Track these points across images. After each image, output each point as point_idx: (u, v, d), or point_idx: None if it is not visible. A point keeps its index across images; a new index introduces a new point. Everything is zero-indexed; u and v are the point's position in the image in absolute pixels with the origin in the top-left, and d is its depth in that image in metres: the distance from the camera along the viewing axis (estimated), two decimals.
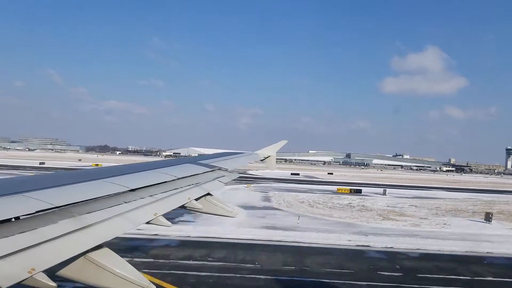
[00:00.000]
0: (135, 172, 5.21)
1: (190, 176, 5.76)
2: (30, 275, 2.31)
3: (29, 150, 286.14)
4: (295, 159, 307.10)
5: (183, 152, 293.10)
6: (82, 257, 2.88)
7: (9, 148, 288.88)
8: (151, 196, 4.27)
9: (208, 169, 6.65)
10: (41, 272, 2.38)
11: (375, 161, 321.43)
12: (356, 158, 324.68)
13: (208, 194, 5.30)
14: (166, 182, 5.03)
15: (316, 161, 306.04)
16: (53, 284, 2.39)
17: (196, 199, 5.00)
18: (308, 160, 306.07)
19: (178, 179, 5.35)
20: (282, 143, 13.44)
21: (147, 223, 3.84)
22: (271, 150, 12.82)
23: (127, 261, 3.07)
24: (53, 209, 3.08)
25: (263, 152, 12.48)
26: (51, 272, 2.56)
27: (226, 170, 7.29)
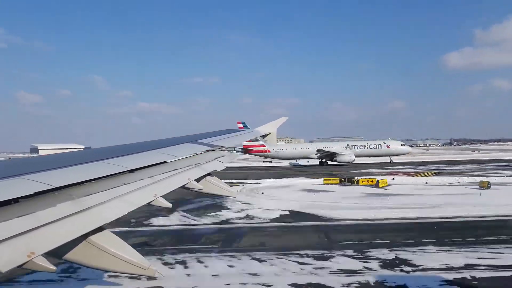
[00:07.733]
0: (135, 152, 5.19)
1: (190, 156, 5.73)
2: (30, 258, 2.32)
3: None
4: None
5: None
6: (83, 240, 2.89)
7: None
8: (150, 177, 4.26)
9: (208, 149, 6.62)
10: (41, 256, 2.39)
11: None
12: None
13: (209, 174, 5.30)
14: (166, 162, 5.01)
15: None
16: (53, 267, 2.41)
17: (197, 180, 5.00)
18: None
19: (178, 159, 5.33)
20: (283, 119, 13.14)
21: (147, 204, 3.85)
22: (271, 127, 12.51)
23: None
24: (52, 191, 3.07)
25: (263, 129, 12.17)
26: (51, 255, 2.57)
27: (226, 149, 7.26)
